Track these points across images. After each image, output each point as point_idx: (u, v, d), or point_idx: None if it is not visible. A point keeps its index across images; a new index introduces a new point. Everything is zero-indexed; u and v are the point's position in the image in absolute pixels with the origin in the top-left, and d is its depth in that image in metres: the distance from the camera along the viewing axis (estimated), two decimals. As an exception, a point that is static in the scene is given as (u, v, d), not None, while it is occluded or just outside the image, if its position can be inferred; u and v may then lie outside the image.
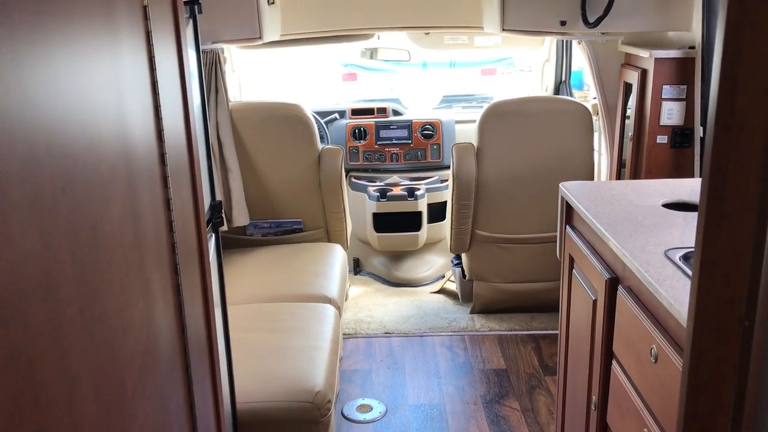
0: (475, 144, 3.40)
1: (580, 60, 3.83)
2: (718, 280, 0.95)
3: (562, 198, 2.29)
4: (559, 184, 2.29)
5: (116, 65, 0.93)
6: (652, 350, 1.52)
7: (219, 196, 3.20)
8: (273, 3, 3.36)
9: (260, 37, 3.19)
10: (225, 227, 3.15)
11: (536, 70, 4.64)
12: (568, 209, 2.27)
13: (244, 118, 3.35)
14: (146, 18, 1.08)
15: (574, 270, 2.18)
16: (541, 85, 4.53)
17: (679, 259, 1.64)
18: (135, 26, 1.01)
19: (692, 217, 1.93)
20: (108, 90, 0.88)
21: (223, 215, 3.21)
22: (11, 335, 0.59)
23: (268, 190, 3.45)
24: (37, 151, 0.67)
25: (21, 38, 0.64)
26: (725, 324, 0.96)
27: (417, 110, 4.71)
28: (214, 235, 1.85)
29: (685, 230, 1.83)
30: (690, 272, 1.57)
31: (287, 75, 7.00)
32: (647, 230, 1.82)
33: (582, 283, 2.07)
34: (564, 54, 4.30)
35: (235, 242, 3.47)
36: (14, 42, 0.63)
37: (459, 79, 8.08)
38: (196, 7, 1.81)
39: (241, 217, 3.31)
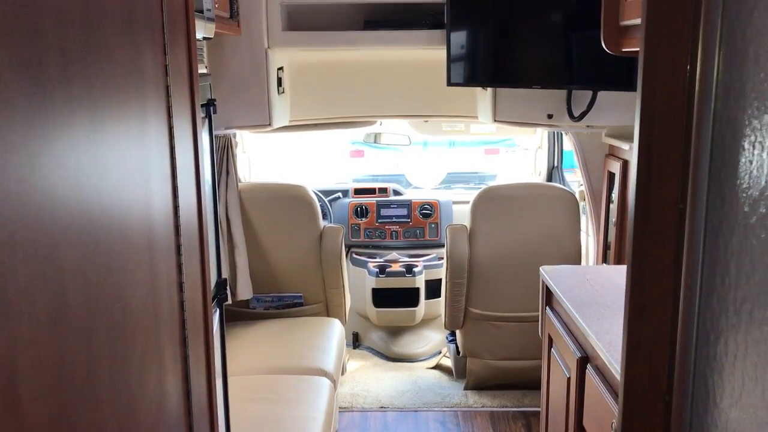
0: (468, 226, 3.60)
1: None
2: (642, 359, 1.12)
3: (543, 281, 2.46)
4: (540, 269, 2.47)
5: (145, 154, 1.13)
6: (612, 425, 1.67)
7: (225, 271, 3.38)
8: (283, 92, 3.64)
9: (270, 124, 3.45)
10: (230, 301, 3.33)
11: (529, 156, 4.89)
12: (548, 292, 2.44)
13: (252, 198, 3.58)
14: (170, 116, 1.29)
15: (552, 349, 2.34)
16: (534, 170, 4.76)
17: (640, 341, 1.80)
18: (160, 122, 1.22)
19: (657, 302, 2.10)
20: (138, 177, 1.08)
21: (228, 290, 3.39)
22: (63, 392, 0.77)
23: (272, 265, 3.64)
24: (90, 226, 0.86)
25: (81, 134, 0.85)
26: (649, 397, 1.12)
27: (416, 191, 4.94)
28: (218, 310, 2.03)
29: (649, 314, 2.00)
30: (648, 353, 1.73)
31: (296, 152, 7.30)
32: (613, 313, 1.99)
33: (559, 361, 2.23)
34: (555, 141, 4.54)
35: (238, 315, 3.64)
36: (73, 135, 0.83)
37: (464, 157, 8.33)
38: (211, 108, 2.06)
39: (245, 291, 3.49)
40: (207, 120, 2.09)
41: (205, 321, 1.65)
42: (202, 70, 2.36)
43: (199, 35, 1.96)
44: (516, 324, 3.64)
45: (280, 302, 3.69)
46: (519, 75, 3.39)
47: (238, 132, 3.99)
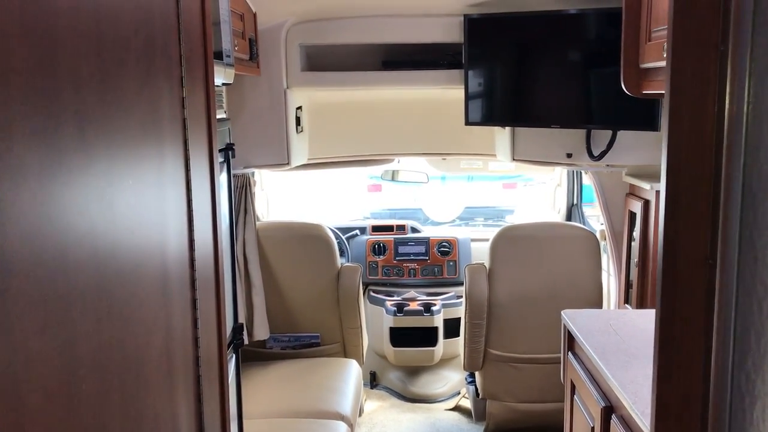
0: (488, 265, 3.56)
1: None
2: (672, 424, 1.07)
3: (564, 325, 2.41)
4: (561, 313, 2.42)
5: (161, 208, 1.11)
6: (640, 481, 1.60)
7: (242, 312, 3.36)
8: (301, 131, 3.66)
9: (288, 163, 3.46)
10: (246, 342, 3.30)
11: (548, 193, 4.85)
12: (570, 336, 2.39)
13: (270, 236, 3.57)
14: (187, 170, 1.29)
15: (575, 396, 2.28)
16: (554, 208, 4.72)
17: (667, 392, 1.74)
18: (178, 175, 1.20)
19: (684, 350, 2.04)
20: (154, 231, 1.07)
21: (245, 330, 3.37)
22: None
23: (289, 305, 3.61)
24: (107, 270, 0.85)
25: (106, 175, 0.85)
26: (680, 463, 1.07)
27: (434, 228, 4.91)
28: (234, 356, 2.01)
29: (676, 362, 1.94)
30: (676, 405, 1.67)
31: (315, 187, 7.32)
32: (638, 362, 1.94)
33: (582, 409, 2.16)
34: (575, 179, 4.51)
35: (255, 355, 3.60)
36: (99, 179, 0.83)
37: (481, 191, 8.32)
38: (230, 152, 2.06)
39: (261, 331, 3.46)
40: (225, 164, 2.09)
41: (220, 371, 1.62)
42: (221, 114, 2.37)
43: (218, 81, 1.97)
44: (537, 366, 3.57)
45: (297, 342, 3.66)
46: (537, 114, 3.39)
47: (256, 171, 4.01)
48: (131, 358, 0.95)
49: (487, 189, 8.39)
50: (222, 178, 2.21)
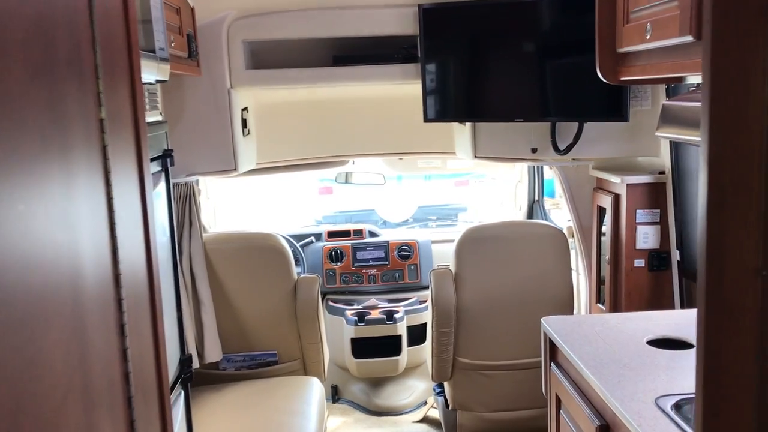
0: (453, 269, 3.37)
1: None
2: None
3: (545, 333, 2.23)
4: (541, 320, 2.24)
5: (71, 230, 0.87)
6: None
7: (190, 332, 3.10)
8: (248, 134, 3.41)
9: (235, 169, 3.21)
10: (197, 365, 3.03)
11: (508, 190, 4.71)
12: (552, 345, 2.21)
13: (218, 249, 3.30)
14: (108, 183, 1.03)
15: (561, 411, 2.09)
16: (515, 205, 4.58)
17: (671, 409, 1.57)
18: (95, 190, 0.96)
19: (678, 357, 1.88)
20: (64, 255, 0.83)
21: (195, 352, 3.09)
22: None
23: (242, 322, 3.35)
24: None
25: None
26: None
27: (393, 231, 4.72)
28: (183, 392, 1.75)
29: (673, 373, 1.78)
30: (683, 424, 1.50)
31: (264, 192, 7.04)
32: (634, 373, 1.76)
33: (570, 426, 1.98)
34: (536, 174, 4.38)
35: (207, 378, 3.32)
36: None
37: (433, 190, 8.21)
38: (168, 159, 1.80)
39: (213, 352, 3.19)
40: (163, 173, 1.83)
41: (162, 412, 1.37)
42: (156, 117, 2.11)
43: (150, 78, 1.72)
44: (509, 372, 3.40)
45: (252, 362, 3.39)
46: (500, 108, 3.21)
47: (201, 178, 3.74)
48: (26, 404, 0.70)
49: (439, 187, 8.28)
50: (160, 188, 1.95)
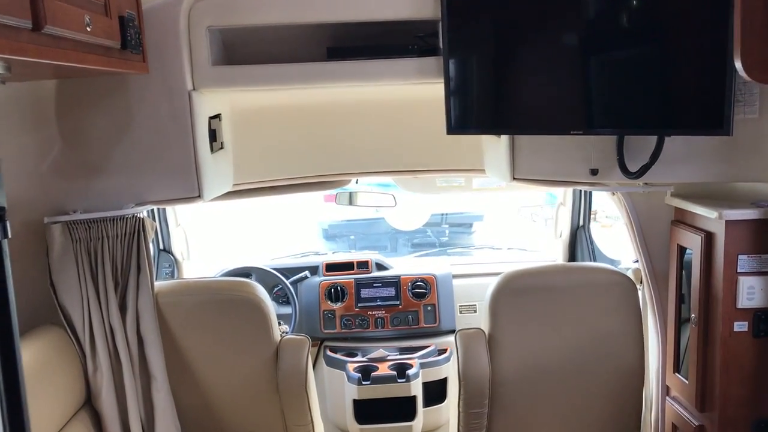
0: (486, 329, 2.61)
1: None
2: None
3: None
4: None
5: None
6: None
7: (136, 418, 2.34)
8: (221, 148, 2.66)
9: (200, 195, 2.46)
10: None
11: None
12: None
13: (175, 303, 2.54)
14: None
15: None
16: (555, 232, 3.83)
17: None
18: None
19: None
20: None
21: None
22: None
23: (209, 399, 2.61)
24: None
25: None
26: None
27: (405, 263, 4.00)
28: None
29: None
30: None
31: (254, 208, 6.38)
32: None
33: None
34: (582, 197, 3.66)
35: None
36: None
37: (445, 197, 7.84)
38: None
39: (169, 441, 2.43)
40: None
41: None
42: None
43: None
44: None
45: (222, 450, 2.63)
46: (550, 117, 2.40)
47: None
48: None
49: (451, 194, 8.00)
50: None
